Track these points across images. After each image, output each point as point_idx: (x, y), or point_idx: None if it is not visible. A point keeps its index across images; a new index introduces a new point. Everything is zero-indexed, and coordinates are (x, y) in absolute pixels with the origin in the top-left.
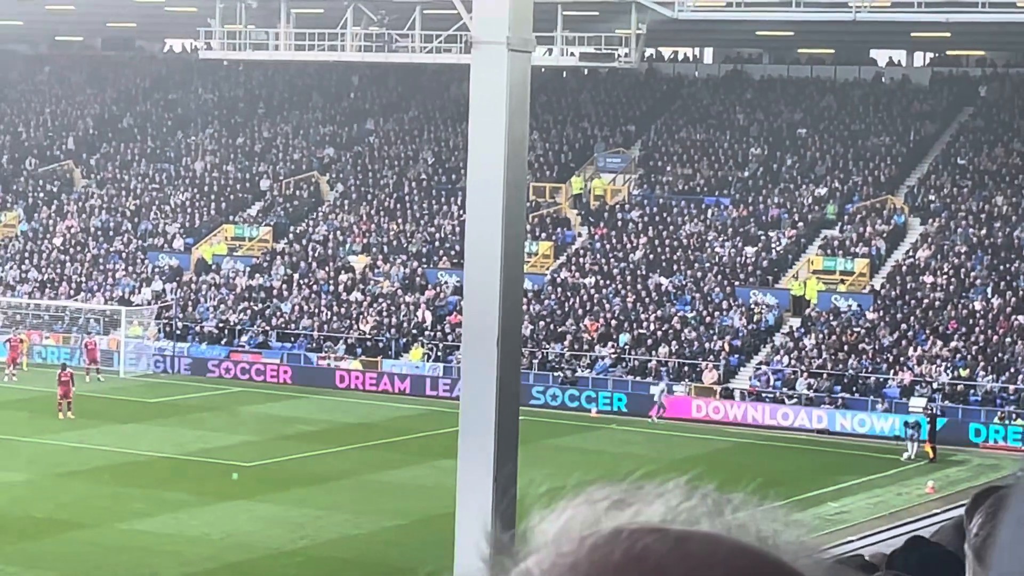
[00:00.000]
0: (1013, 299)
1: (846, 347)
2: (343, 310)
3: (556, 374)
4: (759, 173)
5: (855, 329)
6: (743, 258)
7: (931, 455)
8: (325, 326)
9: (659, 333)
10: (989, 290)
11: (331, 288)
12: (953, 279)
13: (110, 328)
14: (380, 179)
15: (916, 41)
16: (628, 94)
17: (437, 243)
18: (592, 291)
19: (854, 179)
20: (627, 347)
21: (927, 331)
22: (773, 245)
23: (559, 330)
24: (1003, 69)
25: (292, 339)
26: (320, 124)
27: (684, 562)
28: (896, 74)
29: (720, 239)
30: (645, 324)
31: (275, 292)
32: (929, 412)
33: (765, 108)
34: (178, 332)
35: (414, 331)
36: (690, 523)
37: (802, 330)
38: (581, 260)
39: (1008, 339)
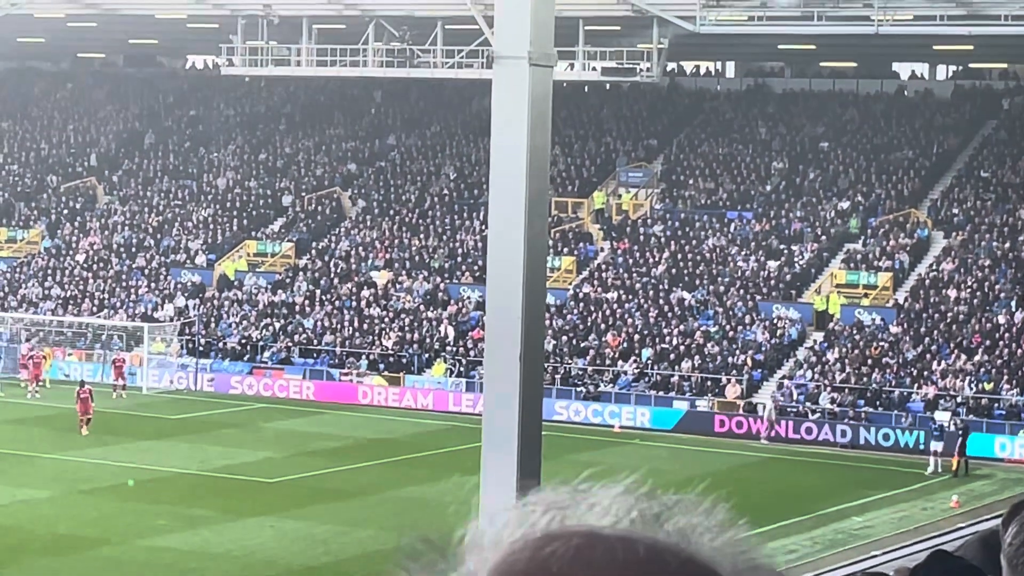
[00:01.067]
0: None
1: (870, 361)
2: (365, 326)
3: (579, 389)
4: (782, 187)
5: (879, 343)
6: (766, 272)
7: (964, 468)
8: (347, 342)
9: (682, 348)
10: (1013, 303)
11: (353, 304)
12: (977, 292)
13: (133, 344)
14: (402, 194)
15: (939, 54)
16: (650, 108)
17: (459, 258)
18: (615, 306)
19: (877, 192)
20: (650, 362)
21: (951, 345)
22: (796, 259)
23: (582, 345)
24: None
25: (315, 355)
26: (342, 140)
27: (585, 568)
28: (919, 87)
29: (743, 253)
30: (668, 339)
31: (297, 308)
32: (962, 425)
33: (787, 122)
34: (201, 348)
35: (437, 346)
36: (618, 525)
37: (825, 344)
38: (603, 275)
39: None
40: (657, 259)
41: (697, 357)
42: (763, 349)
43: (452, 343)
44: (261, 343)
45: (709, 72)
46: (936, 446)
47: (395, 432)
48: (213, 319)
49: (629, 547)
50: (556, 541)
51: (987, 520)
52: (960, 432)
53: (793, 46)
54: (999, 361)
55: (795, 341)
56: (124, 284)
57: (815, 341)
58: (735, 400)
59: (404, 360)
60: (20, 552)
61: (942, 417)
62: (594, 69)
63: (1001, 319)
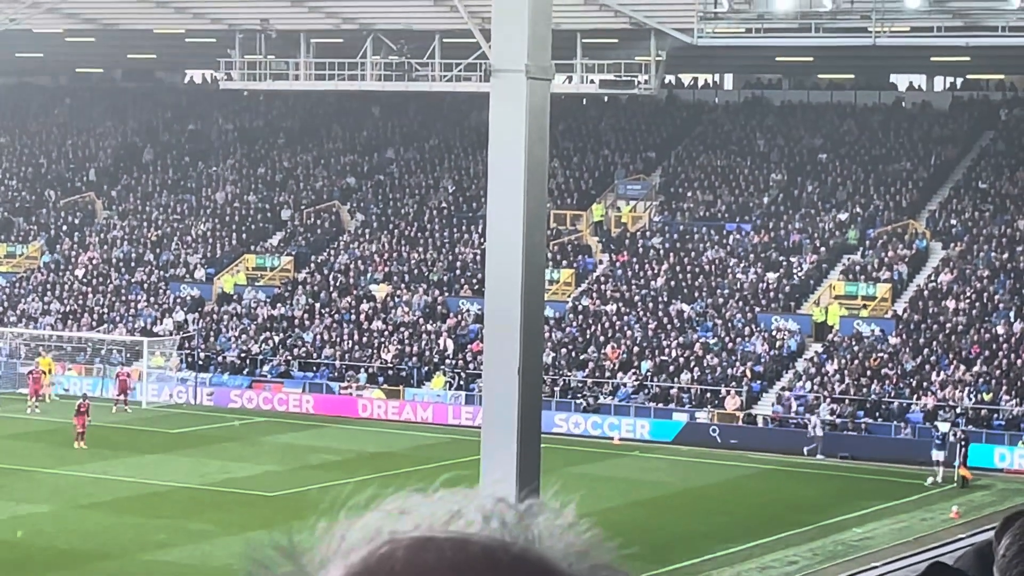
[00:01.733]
0: None
1: (869, 372)
2: (365, 339)
3: (578, 401)
4: (780, 199)
5: (878, 354)
6: (765, 284)
7: (966, 479)
8: (347, 355)
9: (681, 360)
10: (1012, 314)
11: (353, 317)
12: (975, 303)
13: (132, 359)
14: (401, 208)
15: (936, 65)
16: (648, 121)
17: (458, 271)
18: (613, 318)
19: (875, 204)
20: (649, 374)
21: (950, 355)
22: (795, 271)
23: (581, 357)
24: (1023, 93)
25: (314, 368)
26: (341, 153)
27: (418, 570)
28: (916, 98)
29: (741, 265)
30: (667, 351)
31: (297, 322)
32: (962, 436)
33: (785, 133)
34: (200, 362)
35: (436, 360)
36: (461, 528)
37: (824, 355)
38: (602, 287)
39: None
40: (656, 271)
41: (696, 369)
42: (762, 361)
43: (451, 356)
44: (260, 357)
45: (707, 84)
46: (938, 456)
47: (395, 445)
48: (212, 333)
49: (460, 547)
50: (390, 545)
51: (986, 531)
52: (961, 443)
53: (791, 58)
54: (998, 371)
55: (794, 352)
56: (123, 298)
57: (814, 352)
58: (735, 412)
59: (403, 373)
60: (21, 568)
61: (943, 427)
62: (592, 82)
63: (1000, 329)
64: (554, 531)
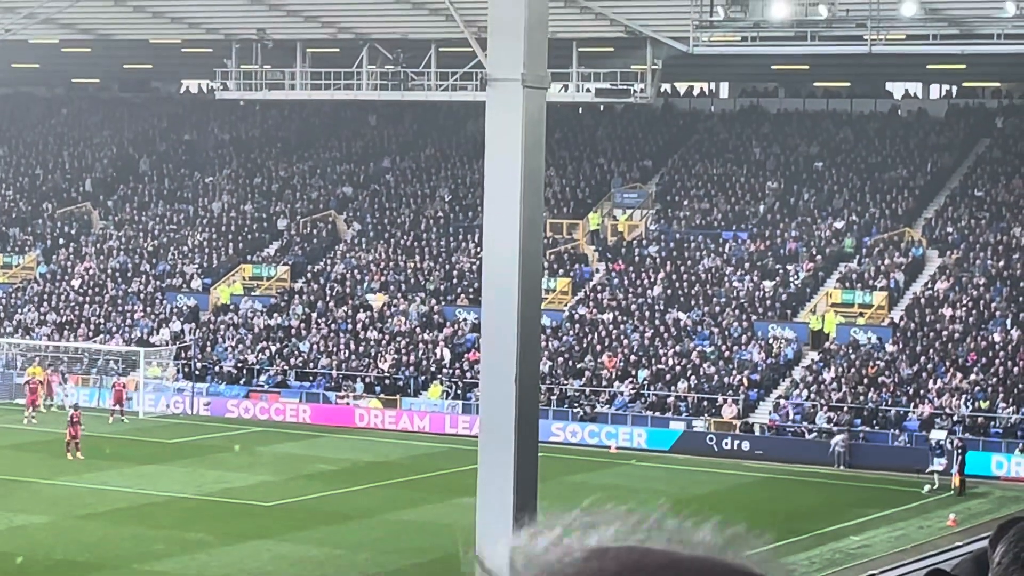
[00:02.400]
0: None
1: (865, 380)
2: (361, 348)
3: (575, 410)
4: (776, 207)
5: (874, 362)
6: (761, 292)
7: (959, 487)
8: (344, 365)
9: (678, 368)
10: (1008, 321)
11: (349, 327)
12: (972, 311)
13: (129, 369)
14: (397, 217)
15: (932, 73)
16: (644, 129)
17: (455, 280)
18: (610, 327)
19: (871, 212)
20: (646, 382)
21: (947, 363)
22: (791, 279)
23: (577, 366)
24: (1019, 100)
25: (311, 378)
26: (337, 163)
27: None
28: (912, 106)
29: (738, 273)
30: (664, 359)
31: (293, 331)
32: (960, 444)
33: (781, 142)
34: (197, 372)
35: (433, 369)
36: (668, 544)
37: (821, 363)
38: (599, 296)
39: None
40: (652, 280)
41: (693, 377)
42: (759, 369)
43: (448, 365)
44: (257, 367)
45: (703, 93)
46: (938, 464)
47: (391, 455)
48: (209, 343)
49: (674, 560)
50: (604, 556)
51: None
52: (959, 451)
53: (787, 66)
54: (995, 379)
55: (791, 361)
56: (120, 309)
57: (811, 360)
58: (732, 420)
59: (400, 383)
60: None
61: (938, 436)
62: (588, 90)
63: (996, 337)
64: (743, 545)
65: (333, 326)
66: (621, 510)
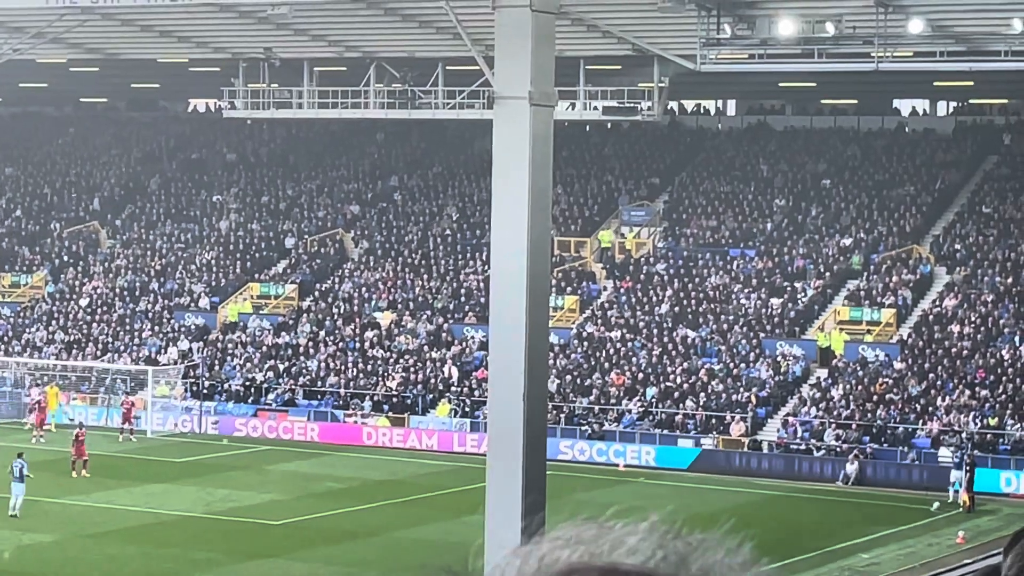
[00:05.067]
0: None
1: (874, 397)
2: (369, 367)
3: (583, 428)
4: (784, 224)
5: (883, 379)
6: (769, 309)
7: (968, 504)
8: (351, 383)
9: (686, 386)
10: (1017, 338)
11: (357, 345)
12: (980, 328)
13: (137, 388)
14: (405, 235)
15: (939, 90)
16: (652, 147)
17: (463, 298)
18: (618, 344)
19: (879, 229)
20: (654, 400)
21: (955, 380)
22: (799, 296)
23: (586, 384)
24: None
25: (319, 397)
26: (344, 181)
27: None
28: (919, 124)
29: (746, 291)
30: (672, 377)
31: (301, 350)
32: (969, 461)
33: (789, 159)
34: (205, 391)
35: (441, 387)
36: (648, 563)
37: (829, 381)
38: (607, 314)
39: None
40: (660, 297)
41: (702, 395)
42: (767, 386)
43: (456, 383)
44: (265, 385)
45: (710, 110)
46: (956, 476)
47: (400, 473)
48: (217, 362)
49: None
50: (576, 574)
51: (993, 555)
52: (967, 467)
53: (794, 84)
54: (1003, 396)
55: (799, 378)
56: (128, 328)
57: (819, 378)
58: (740, 438)
59: (408, 401)
60: None
61: (946, 453)
62: (595, 108)
63: (1005, 354)
64: (734, 570)
65: (341, 344)
66: (612, 525)
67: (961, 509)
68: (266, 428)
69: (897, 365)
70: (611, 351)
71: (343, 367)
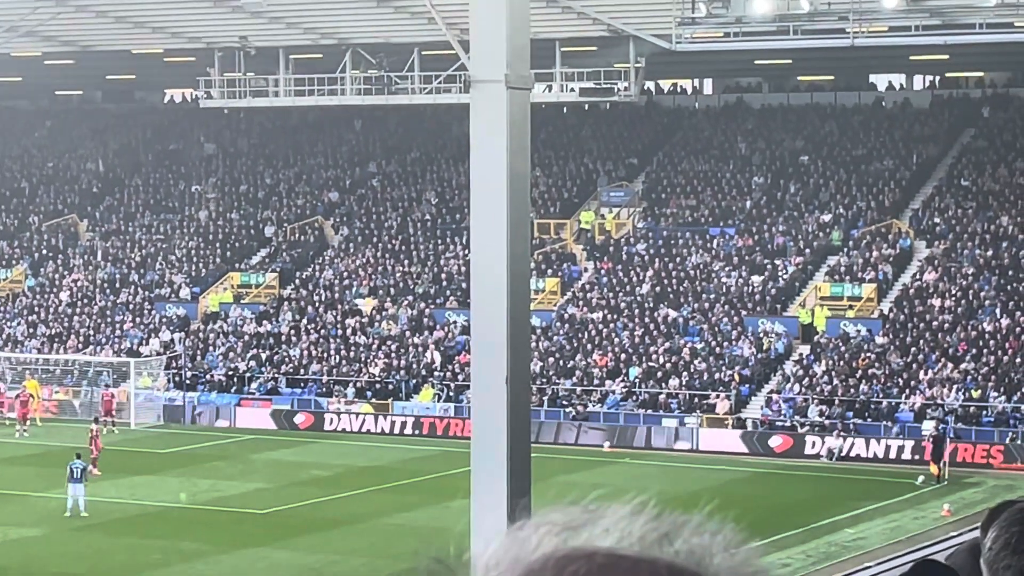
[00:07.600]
0: (1022, 319)
1: (857, 373)
2: (352, 354)
3: (567, 410)
4: (763, 202)
5: (865, 354)
6: (750, 287)
7: (938, 475)
8: (334, 370)
9: (669, 365)
10: (998, 310)
11: (339, 332)
12: (961, 301)
13: (119, 380)
14: (384, 221)
15: (915, 64)
16: (629, 127)
17: (444, 283)
18: (600, 325)
19: (858, 204)
20: (637, 380)
21: (937, 354)
22: (780, 273)
23: (568, 366)
24: (1003, 89)
25: (302, 384)
26: (323, 168)
27: None
28: (896, 98)
29: (726, 269)
30: (654, 357)
31: (283, 338)
32: (936, 433)
33: (766, 137)
34: (187, 382)
35: (424, 372)
36: (633, 546)
37: (812, 357)
38: (588, 295)
39: (1018, 359)
40: (641, 277)
41: (685, 374)
42: (750, 364)
43: (439, 368)
44: (248, 374)
45: (686, 90)
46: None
47: (384, 459)
48: (199, 352)
49: (652, 568)
50: (578, 561)
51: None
52: (933, 440)
53: (770, 61)
54: (985, 368)
55: (782, 355)
56: (109, 320)
57: (801, 355)
58: (724, 416)
59: (391, 387)
60: None
61: (929, 426)
62: (572, 90)
63: (986, 326)
64: (719, 551)
65: (323, 332)
66: (601, 509)
67: (944, 481)
68: (250, 417)
69: (879, 340)
70: (593, 332)
71: (325, 354)
